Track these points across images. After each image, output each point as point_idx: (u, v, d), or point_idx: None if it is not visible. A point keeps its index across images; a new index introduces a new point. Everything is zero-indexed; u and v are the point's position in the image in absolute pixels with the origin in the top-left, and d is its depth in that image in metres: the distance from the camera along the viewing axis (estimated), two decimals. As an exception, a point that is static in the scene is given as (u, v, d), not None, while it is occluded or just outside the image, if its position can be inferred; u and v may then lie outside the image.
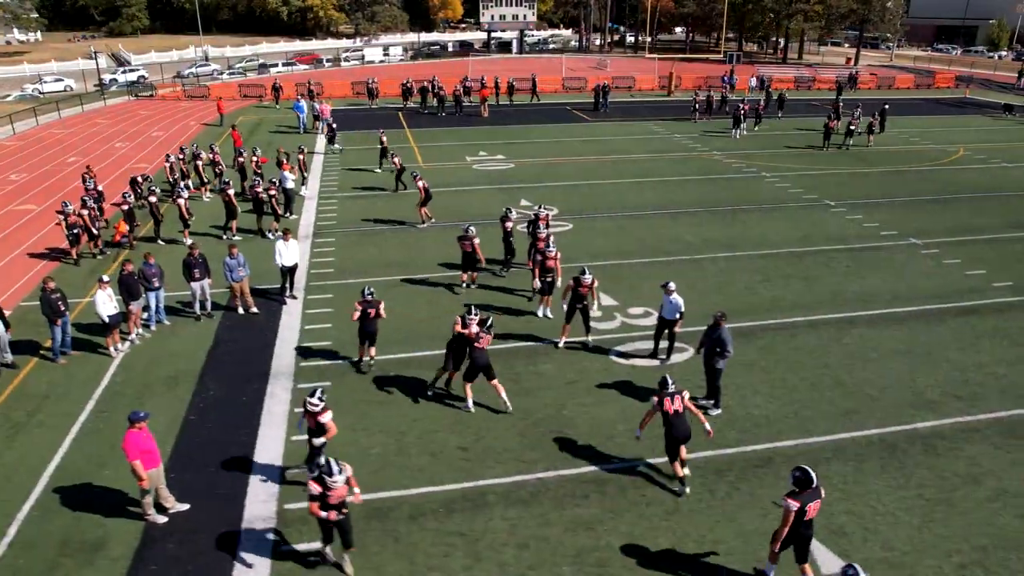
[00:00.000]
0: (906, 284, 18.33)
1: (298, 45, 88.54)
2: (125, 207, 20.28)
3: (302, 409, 10.40)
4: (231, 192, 21.26)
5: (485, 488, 10.61)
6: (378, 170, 28.87)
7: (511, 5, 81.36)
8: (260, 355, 14.53)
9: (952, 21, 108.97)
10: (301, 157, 26.32)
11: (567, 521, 9.97)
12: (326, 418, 10.09)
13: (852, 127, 33.91)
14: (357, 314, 13.25)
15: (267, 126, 39.68)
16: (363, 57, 76.99)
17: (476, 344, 12.04)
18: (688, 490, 10.47)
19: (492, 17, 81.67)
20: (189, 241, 20.84)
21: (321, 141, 34.69)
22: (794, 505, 8.24)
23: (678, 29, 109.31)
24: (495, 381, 12.28)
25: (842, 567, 7.08)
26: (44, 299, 14.00)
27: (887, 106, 38.65)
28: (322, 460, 8.60)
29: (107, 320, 14.23)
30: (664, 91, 54.42)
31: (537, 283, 16.22)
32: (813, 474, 8.35)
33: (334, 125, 32.67)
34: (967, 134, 39.28)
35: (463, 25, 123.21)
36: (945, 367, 14.24)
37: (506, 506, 10.24)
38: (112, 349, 14.53)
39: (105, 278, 14.23)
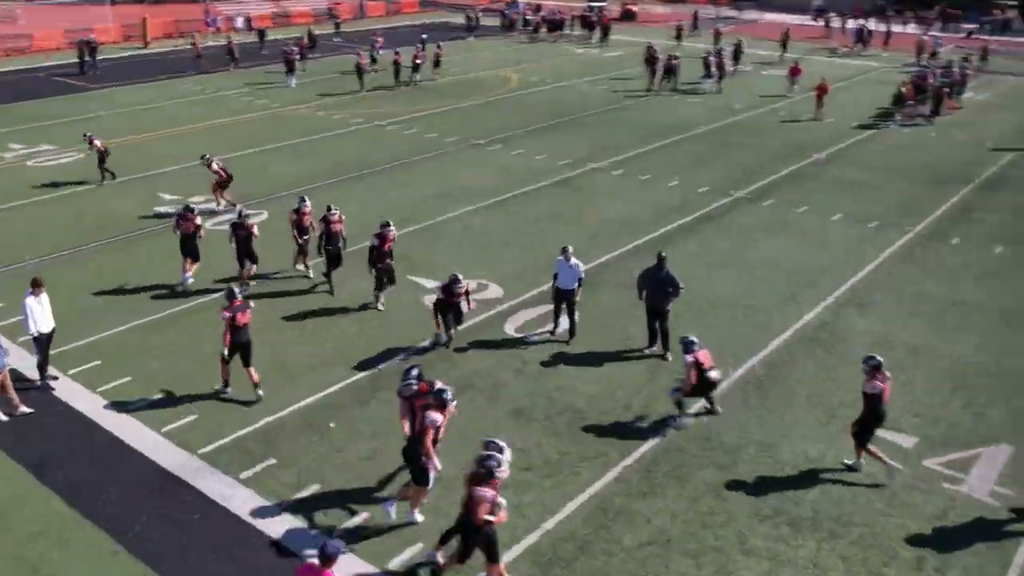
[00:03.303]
0: (649, 204, 19.79)
1: None
2: None
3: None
4: None
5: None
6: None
7: None
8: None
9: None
10: None
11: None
12: None
13: (418, 61, 33.76)
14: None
15: None
16: None
17: None
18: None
19: None
20: None
21: None
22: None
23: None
24: None
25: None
26: None
27: (425, 36, 39.11)
28: None
29: None
30: (139, 43, 45.41)
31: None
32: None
33: None
34: (496, 59, 40.52)
35: None
36: (755, 263, 16.41)
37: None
38: None
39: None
